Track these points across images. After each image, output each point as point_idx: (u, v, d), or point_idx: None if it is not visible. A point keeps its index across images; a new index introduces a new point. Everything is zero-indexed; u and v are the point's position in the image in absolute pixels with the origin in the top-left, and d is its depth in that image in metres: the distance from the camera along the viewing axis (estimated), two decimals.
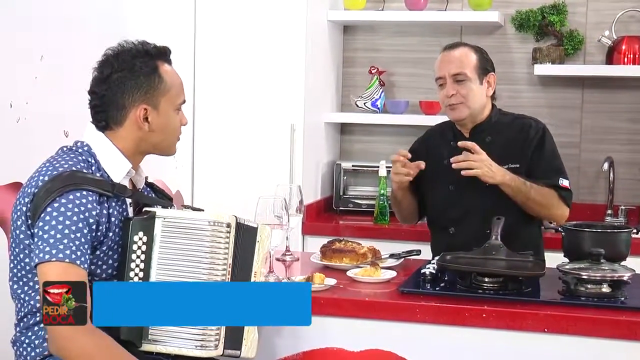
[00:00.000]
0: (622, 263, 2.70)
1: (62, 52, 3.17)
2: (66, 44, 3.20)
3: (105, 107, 2.32)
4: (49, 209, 2.16)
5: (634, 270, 2.63)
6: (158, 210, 2.29)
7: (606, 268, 2.60)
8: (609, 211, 4.32)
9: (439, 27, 4.54)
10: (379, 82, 4.54)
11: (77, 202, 2.17)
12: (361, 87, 4.63)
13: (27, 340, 2.27)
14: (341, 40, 4.71)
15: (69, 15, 3.23)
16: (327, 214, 4.46)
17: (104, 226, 2.24)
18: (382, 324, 2.57)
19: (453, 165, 3.04)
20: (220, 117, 4.19)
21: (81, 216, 2.16)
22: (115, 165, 2.32)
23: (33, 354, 2.26)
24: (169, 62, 2.41)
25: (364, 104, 4.53)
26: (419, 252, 3.13)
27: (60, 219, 2.14)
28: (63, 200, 2.16)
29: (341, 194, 4.48)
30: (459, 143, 3.09)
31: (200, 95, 4.19)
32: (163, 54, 2.39)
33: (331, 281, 2.70)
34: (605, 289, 2.57)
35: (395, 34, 4.66)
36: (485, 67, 3.21)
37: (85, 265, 2.14)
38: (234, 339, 2.33)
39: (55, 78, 3.13)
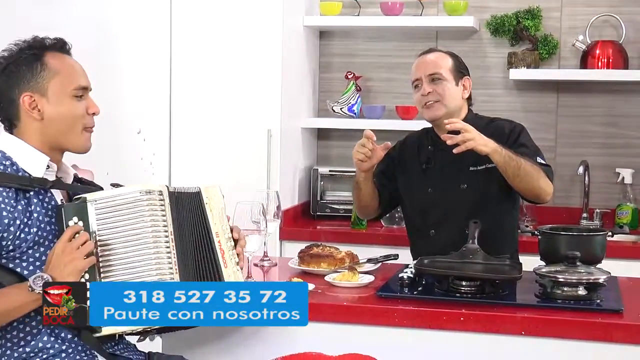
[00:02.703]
0: (598, 266, 2.72)
1: None
2: None
3: (2, 105, 2.32)
4: None
5: (610, 273, 2.65)
6: (88, 195, 2.25)
7: (582, 271, 2.61)
8: (584, 214, 4.35)
9: (414, 32, 4.56)
10: (356, 87, 4.55)
11: None
12: (337, 92, 4.64)
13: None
14: (317, 45, 4.71)
15: (45, 23, 3.21)
16: (304, 219, 4.46)
17: (22, 222, 2.20)
18: (360, 329, 2.57)
19: (448, 142, 2.95)
20: (197, 123, 4.19)
21: None
22: (32, 161, 2.29)
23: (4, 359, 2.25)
24: (64, 51, 2.37)
25: (341, 109, 4.54)
26: (396, 256, 3.13)
27: None
28: None
29: (318, 199, 4.49)
30: (443, 136, 2.99)
31: (177, 101, 4.18)
32: (52, 46, 2.35)
33: (309, 286, 2.70)
34: (582, 291, 2.59)
35: (371, 39, 4.68)
36: (461, 70, 3.23)
37: None
38: None
39: None
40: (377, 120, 4.48)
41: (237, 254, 2.44)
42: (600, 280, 2.59)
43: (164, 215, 2.26)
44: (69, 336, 2.26)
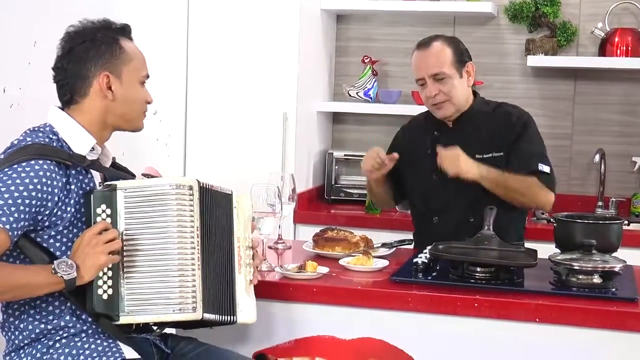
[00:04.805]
0: (613, 254, 2.72)
1: (55, 38, 3.14)
2: (59, 30, 3.17)
3: (69, 80, 2.34)
4: None
5: (625, 262, 2.64)
6: (119, 183, 2.27)
7: (597, 259, 2.61)
8: (600, 203, 4.33)
9: (432, 17, 4.54)
10: (372, 72, 4.54)
11: (22, 171, 2.15)
12: (354, 76, 4.63)
13: (14, 323, 2.27)
14: (334, 29, 4.70)
15: (62, 1, 3.21)
16: (318, 203, 4.46)
17: (60, 199, 2.21)
18: (374, 313, 2.58)
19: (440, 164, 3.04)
20: (213, 106, 4.19)
21: (27, 180, 2.14)
22: (79, 141, 2.31)
23: (21, 337, 2.27)
24: (131, 39, 2.43)
25: (357, 93, 4.53)
26: (411, 241, 3.14)
27: (0, 184, 2.13)
28: (7, 169, 2.16)
29: (333, 183, 4.48)
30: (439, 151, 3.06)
31: (193, 83, 4.19)
32: (122, 30, 2.41)
33: (324, 269, 2.70)
34: (597, 279, 2.58)
35: (388, 23, 4.66)
36: (462, 58, 3.16)
37: (14, 233, 2.12)
38: (214, 304, 2.31)
39: (49, 64, 3.10)
40: (393, 105, 4.48)
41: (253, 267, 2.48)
42: (616, 269, 2.58)
43: (191, 211, 2.25)
44: (90, 318, 2.28)
